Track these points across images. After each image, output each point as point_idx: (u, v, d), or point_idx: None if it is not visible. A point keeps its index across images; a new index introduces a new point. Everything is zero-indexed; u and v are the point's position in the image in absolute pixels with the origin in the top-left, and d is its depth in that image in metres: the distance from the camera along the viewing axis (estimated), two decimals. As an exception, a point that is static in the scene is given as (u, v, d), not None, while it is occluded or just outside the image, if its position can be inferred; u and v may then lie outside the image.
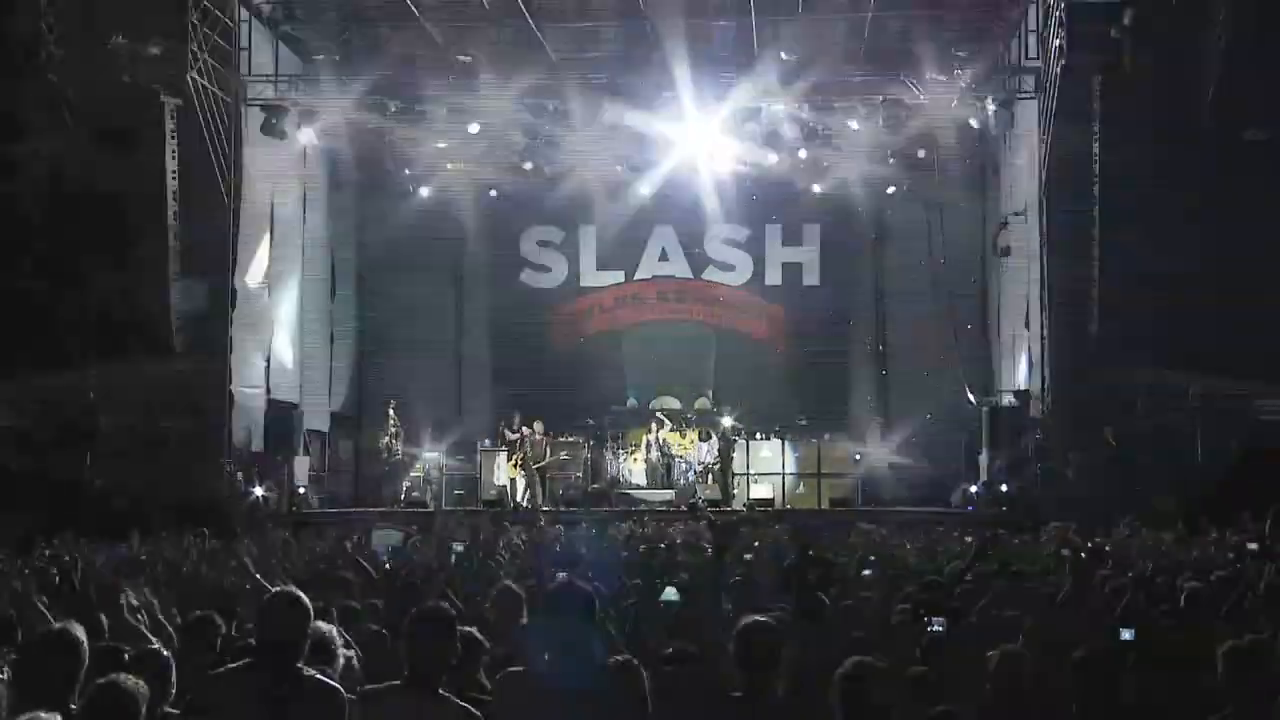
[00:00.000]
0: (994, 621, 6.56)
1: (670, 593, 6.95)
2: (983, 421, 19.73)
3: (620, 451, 21.60)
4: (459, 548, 10.44)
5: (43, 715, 4.19)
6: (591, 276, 24.05)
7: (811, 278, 23.75)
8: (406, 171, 22.32)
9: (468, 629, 5.31)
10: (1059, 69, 17.71)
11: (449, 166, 22.26)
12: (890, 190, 22.30)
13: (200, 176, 18.44)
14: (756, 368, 23.53)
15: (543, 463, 20.42)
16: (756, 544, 12.57)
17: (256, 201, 19.59)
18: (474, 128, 20.55)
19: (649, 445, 21.28)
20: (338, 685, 4.61)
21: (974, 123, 20.19)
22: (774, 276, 23.83)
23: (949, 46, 19.13)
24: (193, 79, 17.91)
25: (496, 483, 20.51)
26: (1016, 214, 19.85)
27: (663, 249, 23.83)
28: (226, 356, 18.81)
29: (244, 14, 19.22)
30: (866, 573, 8.97)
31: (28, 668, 4.85)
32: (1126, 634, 5.68)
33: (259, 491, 18.50)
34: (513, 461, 20.19)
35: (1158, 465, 17.11)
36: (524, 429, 20.36)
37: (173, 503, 16.20)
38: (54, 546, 11.97)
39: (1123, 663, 5.31)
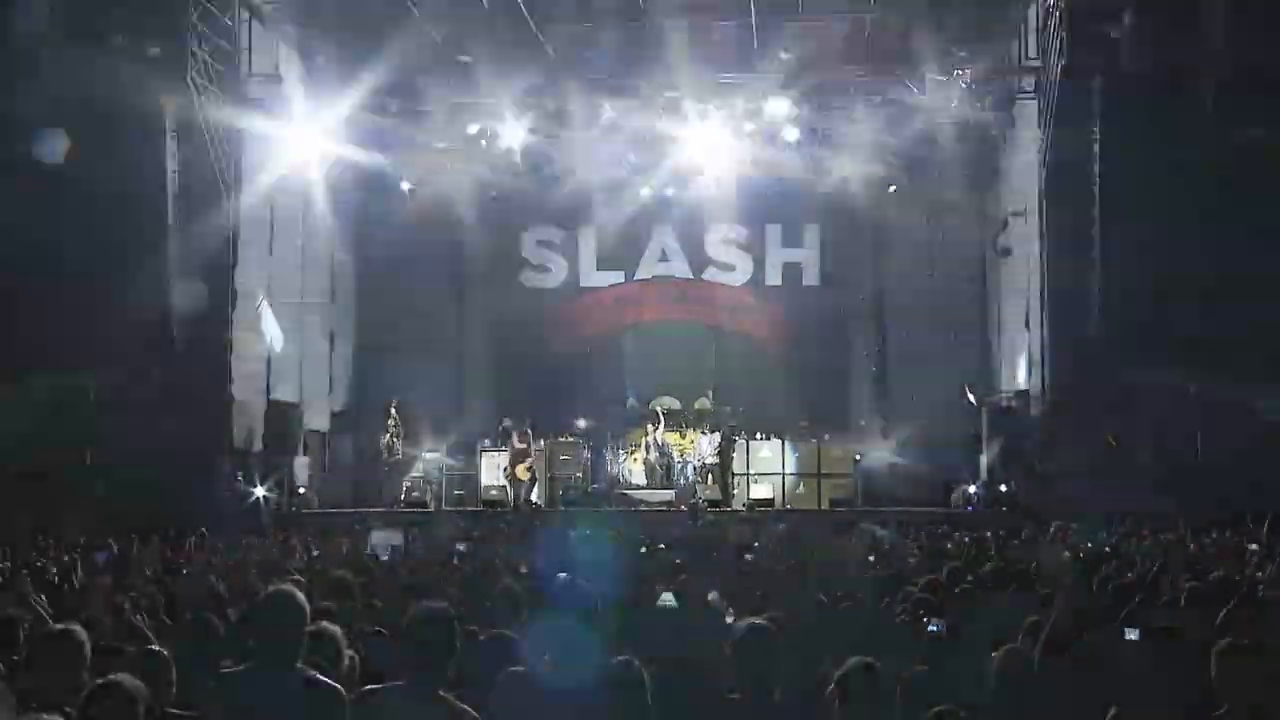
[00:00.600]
0: (995, 622, 6.55)
1: (667, 597, 6.94)
2: (983, 421, 19.72)
3: (620, 451, 21.60)
4: (461, 548, 10.46)
5: (44, 717, 4.19)
6: (591, 276, 24.06)
7: (811, 278, 23.76)
8: (407, 171, 22.32)
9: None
10: (1059, 69, 17.70)
11: (449, 166, 22.27)
12: (890, 190, 22.30)
13: (200, 176, 18.42)
14: (756, 368, 23.53)
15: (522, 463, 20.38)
16: (757, 544, 12.60)
17: (256, 202, 19.59)
18: (474, 128, 20.56)
19: (648, 445, 21.29)
20: (338, 686, 4.60)
21: (974, 123, 20.19)
22: (774, 276, 23.83)
23: (949, 46, 19.12)
24: (193, 79, 17.92)
25: (497, 483, 20.50)
26: (1016, 214, 19.84)
27: (663, 249, 23.84)
28: (226, 356, 18.80)
29: (244, 14, 19.23)
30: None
31: (28, 668, 4.86)
32: (1131, 634, 5.67)
33: (259, 491, 18.49)
34: (526, 465, 20.18)
35: (1158, 465, 17.09)
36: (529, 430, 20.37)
37: (172, 503, 16.19)
38: (54, 547, 11.98)
39: (1124, 663, 5.30)
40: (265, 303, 19.78)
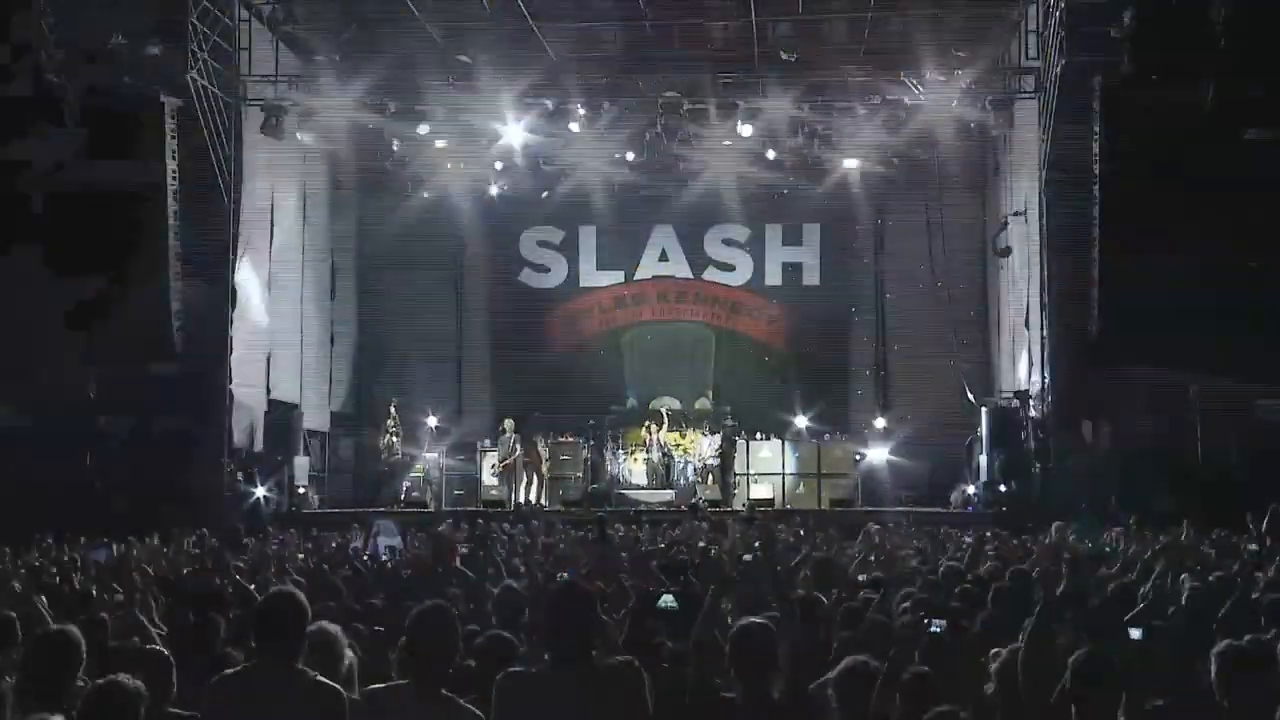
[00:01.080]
0: (995, 622, 6.54)
1: (668, 599, 6.91)
2: (983, 421, 19.73)
3: (620, 451, 21.61)
4: (463, 549, 10.43)
5: (47, 717, 4.19)
6: (591, 276, 24.07)
7: (811, 278, 23.76)
8: (406, 171, 22.32)
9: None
10: (1059, 69, 17.69)
11: (449, 166, 22.27)
12: (890, 191, 22.28)
13: (200, 176, 18.44)
14: (756, 368, 23.57)
15: (508, 461, 20.39)
16: (756, 544, 12.57)
17: (256, 201, 19.60)
18: (473, 128, 20.54)
19: (650, 445, 21.27)
20: (338, 686, 4.60)
21: (974, 123, 20.18)
22: (774, 276, 23.85)
23: (949, 46, 19.11)
24: (193, 79, 17.92)
25: (496, 483, 20.53)
26: (1016, 214, 19.84)
27: (663, 249, 23.84)
28: (226, 356, 18.81)
29: (244, 14, 19.22)
30: (862, 577, 8.94)
31: (27, 668, 4.85)
32: (1135, 634, 5.66)
33: (259, 492, 18.50)
34: (546, 464, 20.51)
35: (1158, 465, 17.09)
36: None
37: (173, 503, 16.19)
38: (55, 547, 11.98)
39: (1124, 663, 5.30)
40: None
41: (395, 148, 21.24)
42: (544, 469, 20.51)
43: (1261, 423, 17.93)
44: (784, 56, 19.37)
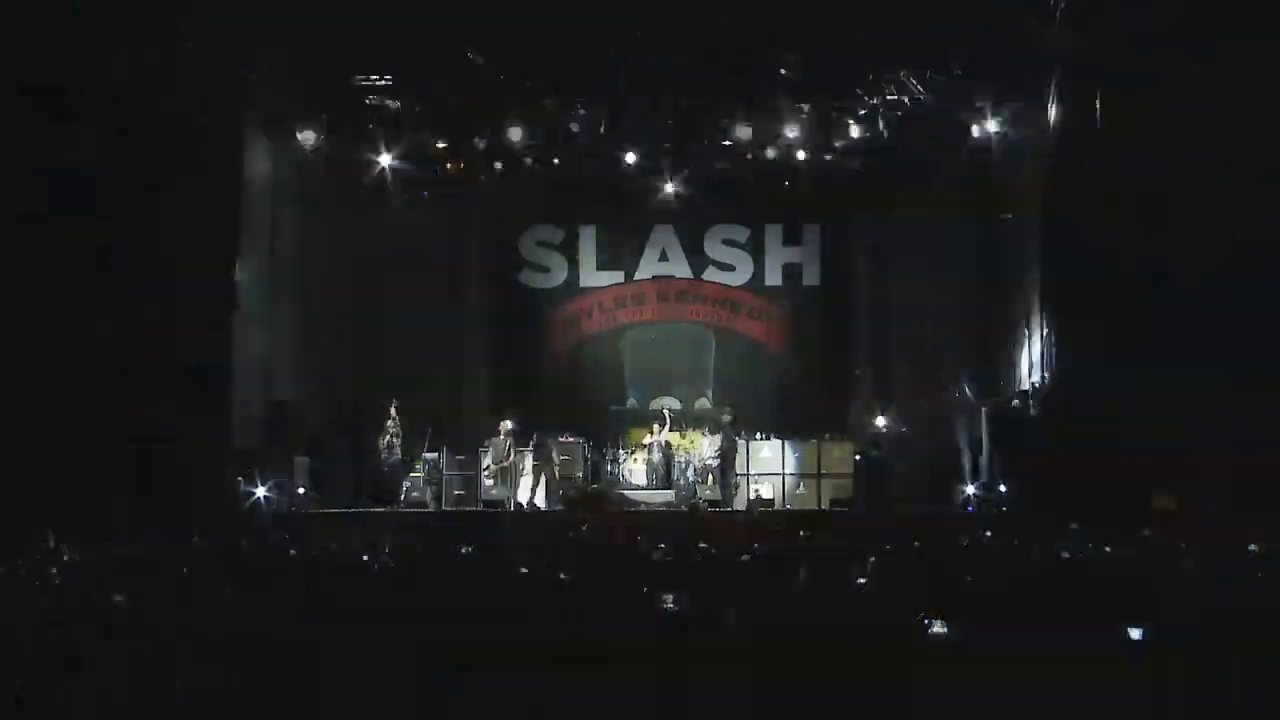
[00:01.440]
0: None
1: (667, 599, 6.93)
2: (983, 421, 19.71)
3: (620, 451, 21.60)
4: (464, 550, 10.44)
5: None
6: (591, 276, 24.04)
7: (811, 278, 23.76)
8: (407, 171, 22.28)
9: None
10: (1060, 68, 17.69)
11: (448, 166, 22.25)
12: (891, 190, 22.28)
13: (200, 176, 18.41)
14: (756, 368, 23.56)
15: (504, 463, 20.36)
16: (755, 545, 12.58)
17: (256, 201, 19.57)
18: (474, 127, 20.52)
19: (653, 446, 21.25)
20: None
21: (973, 125, 20.18)
22: (774, 276, 23.84)
23: (949, 47, 19.11)
24: (193, 79, 17.89)
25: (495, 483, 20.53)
26: (1015, 215, 19.84)
27: (663, 249, 23.84)
28: (227, 356, 18.79)
29: (244, 12, 19.18)
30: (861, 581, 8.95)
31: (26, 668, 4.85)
32: (1135, 633, 5.66)
33: (260, 492, 18.49)
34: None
35: (1158, 465, 17.07)
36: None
37: (172, 503, 16.17)
38: (54, 547, 11.97)
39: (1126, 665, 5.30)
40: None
41: (395, 147, 21.21)
42: (555, 472, 20.46)
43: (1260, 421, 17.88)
44: (783, 57, 19.35)
